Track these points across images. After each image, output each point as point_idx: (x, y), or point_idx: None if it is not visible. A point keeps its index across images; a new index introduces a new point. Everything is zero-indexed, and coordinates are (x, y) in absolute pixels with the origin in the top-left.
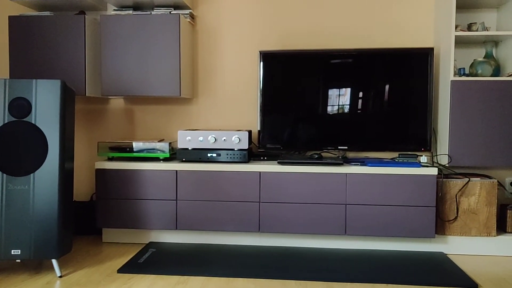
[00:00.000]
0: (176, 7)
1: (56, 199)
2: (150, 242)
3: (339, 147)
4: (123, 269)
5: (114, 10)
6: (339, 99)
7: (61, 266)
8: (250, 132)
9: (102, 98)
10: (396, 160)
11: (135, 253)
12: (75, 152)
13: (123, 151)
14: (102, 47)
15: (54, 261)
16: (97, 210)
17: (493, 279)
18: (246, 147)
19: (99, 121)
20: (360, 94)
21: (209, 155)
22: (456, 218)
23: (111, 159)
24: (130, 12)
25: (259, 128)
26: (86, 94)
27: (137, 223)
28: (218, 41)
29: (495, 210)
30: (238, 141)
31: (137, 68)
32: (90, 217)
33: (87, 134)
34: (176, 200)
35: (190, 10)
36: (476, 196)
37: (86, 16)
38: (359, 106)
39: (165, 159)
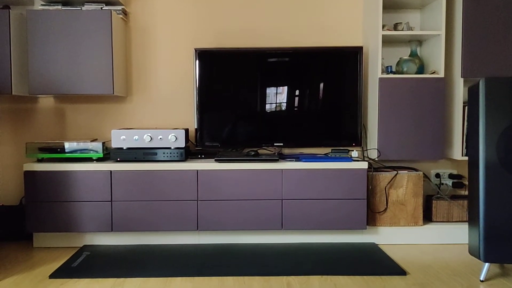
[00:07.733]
0: (108, 3)
1: None
2: (85, 245)
3: (275, 144)
4: (55, 274)
5: (42, 5)
6: (276, 97)
7: None
8: (187, 130)
9: (30, 97)
10: (329, 155)
11: (68, 257)
12: (1, 154)
13: (54, 151)
14: (29, 44)
15: None
16: (27, 214)
17: (421, 266)
18: (183, 145)
19: (27, 121)
20: (296, 92)
21: (144, 154)
22: (385, 209)
23: (41, 160)
24: (59, 7)
25: (196, 126)
26: (13, 93)
27: (70, 226)
28: (152, 38)
29: (422, 200)
30: (174, 139)
31: (67, 66)
32: (19, 222)
33: (14, 135)
34: (111, 201)
35: (123, 6)
36: (404, 188)
37: (10, 11)
38: (295, 104)
39: (99, 159)
